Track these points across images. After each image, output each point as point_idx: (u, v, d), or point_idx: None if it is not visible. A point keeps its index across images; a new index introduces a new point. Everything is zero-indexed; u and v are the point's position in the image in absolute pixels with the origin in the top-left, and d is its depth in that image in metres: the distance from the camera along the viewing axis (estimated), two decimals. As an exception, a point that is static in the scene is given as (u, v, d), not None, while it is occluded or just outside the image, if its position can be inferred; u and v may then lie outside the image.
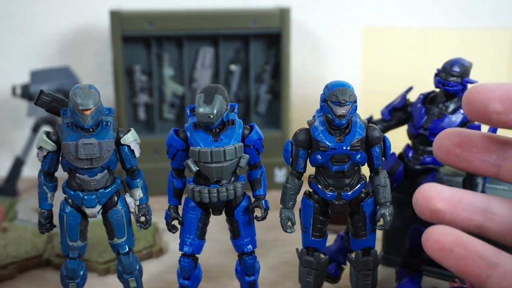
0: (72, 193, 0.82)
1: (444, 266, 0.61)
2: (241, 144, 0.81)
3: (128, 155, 0.84)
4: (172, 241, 1.14)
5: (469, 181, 0.88)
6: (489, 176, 0.63)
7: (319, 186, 0.81)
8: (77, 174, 0.81)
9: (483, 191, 0.87)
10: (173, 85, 1.43)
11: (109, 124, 0.81)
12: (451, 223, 0.62)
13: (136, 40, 1.39)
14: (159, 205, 1.10)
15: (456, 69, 0.88)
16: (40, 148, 0.82)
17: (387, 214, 0.80)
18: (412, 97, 0.95)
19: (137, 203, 0.87)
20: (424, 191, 0.63)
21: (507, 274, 0.58)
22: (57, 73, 1.40)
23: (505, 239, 0.61)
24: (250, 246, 0.86)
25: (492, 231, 0.61)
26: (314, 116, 0.81)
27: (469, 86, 0.89)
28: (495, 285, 0.59)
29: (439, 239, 0.60)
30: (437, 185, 0.63)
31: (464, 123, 0.89)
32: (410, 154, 0.93)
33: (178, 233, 0.86)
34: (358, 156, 0.79)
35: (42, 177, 0.84)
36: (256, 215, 0.84)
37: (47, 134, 0.81)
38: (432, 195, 0.62)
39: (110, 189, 0.83)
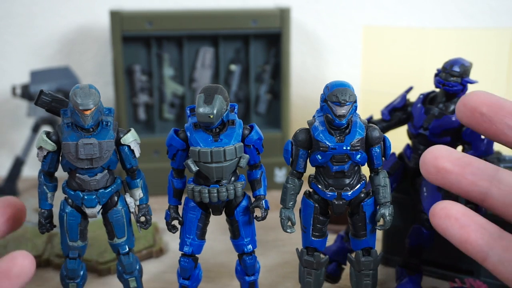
0: (72, 193, 0.82)
1: (447, 237, 0.62)
2: (241, 144, 0.81)
3: (128, 155, 0.84)
4: (172, 241, 1.14)
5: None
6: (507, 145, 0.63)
7: (319, 186, 0.81)
8: (77, 174, 0.81)
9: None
10: (173, 85, 1.43)
11: (109, 124, 0.81)
12: (456, 185, 0.62)
13: (136, 40, 1.39)
14: (159, 205, 1.09)
15: (456, 69, 0.88)
16: (40, 148, 0.81)
17: (387, 214, 0.80)
18: (412, 97, 0.95)
19: (137, 203, 0.86)
20: (433, 150, 0.63)
21: (511, 246, 0.59)
22: (57, 73, 1.40)
23: (507, 210, 0.61)
24: (250, 246, 0.86)
25: (495, 200, 0.61)
26: (314, 116, 0.81)
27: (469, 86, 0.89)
28: (497, 257, 0.59)
29: (446, 207, 0.61)
30: (447, 147, 0.63)
31: (464, 123, 0.89)
32: (410, 154, 0.93)
33: (178, 233, 0.86)
34: (358, 156, 0.79)
35: (42, 177, 0.84)
36: (256, 215, 0.84)
37: (47, 134, 0.81)
38: (442, 154, 0.63)
39: (110, 189, 0.83)
